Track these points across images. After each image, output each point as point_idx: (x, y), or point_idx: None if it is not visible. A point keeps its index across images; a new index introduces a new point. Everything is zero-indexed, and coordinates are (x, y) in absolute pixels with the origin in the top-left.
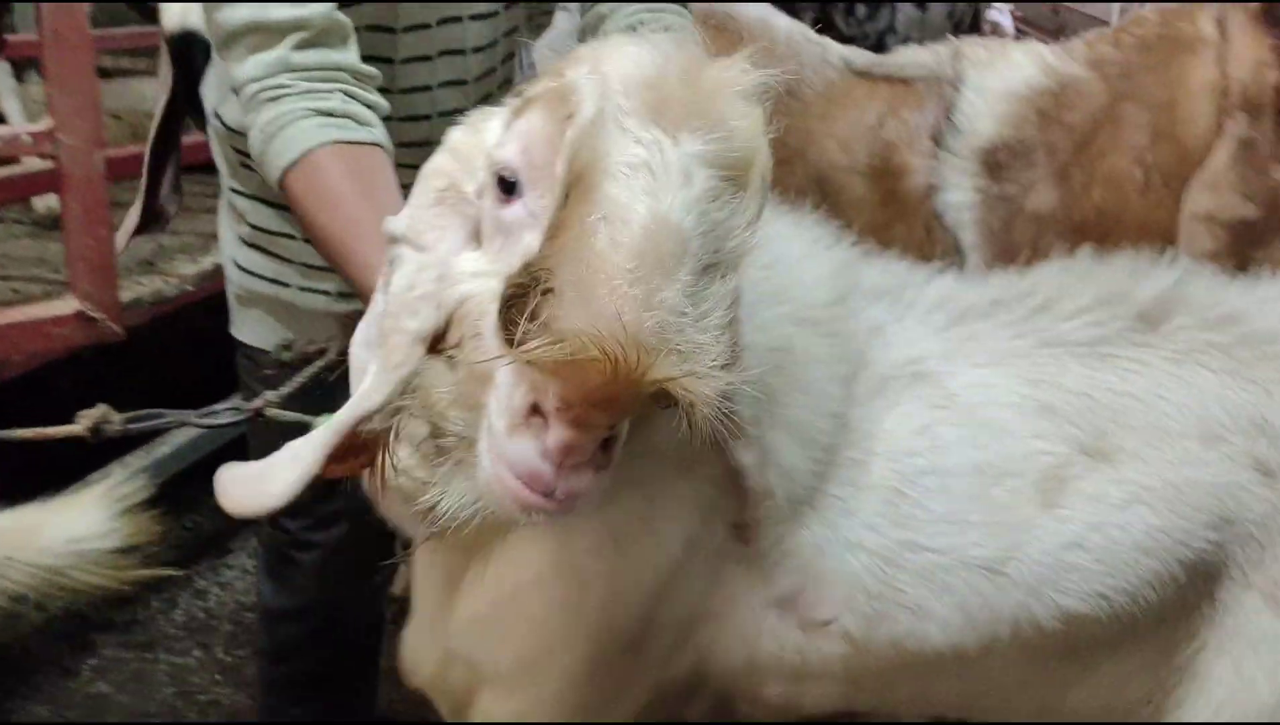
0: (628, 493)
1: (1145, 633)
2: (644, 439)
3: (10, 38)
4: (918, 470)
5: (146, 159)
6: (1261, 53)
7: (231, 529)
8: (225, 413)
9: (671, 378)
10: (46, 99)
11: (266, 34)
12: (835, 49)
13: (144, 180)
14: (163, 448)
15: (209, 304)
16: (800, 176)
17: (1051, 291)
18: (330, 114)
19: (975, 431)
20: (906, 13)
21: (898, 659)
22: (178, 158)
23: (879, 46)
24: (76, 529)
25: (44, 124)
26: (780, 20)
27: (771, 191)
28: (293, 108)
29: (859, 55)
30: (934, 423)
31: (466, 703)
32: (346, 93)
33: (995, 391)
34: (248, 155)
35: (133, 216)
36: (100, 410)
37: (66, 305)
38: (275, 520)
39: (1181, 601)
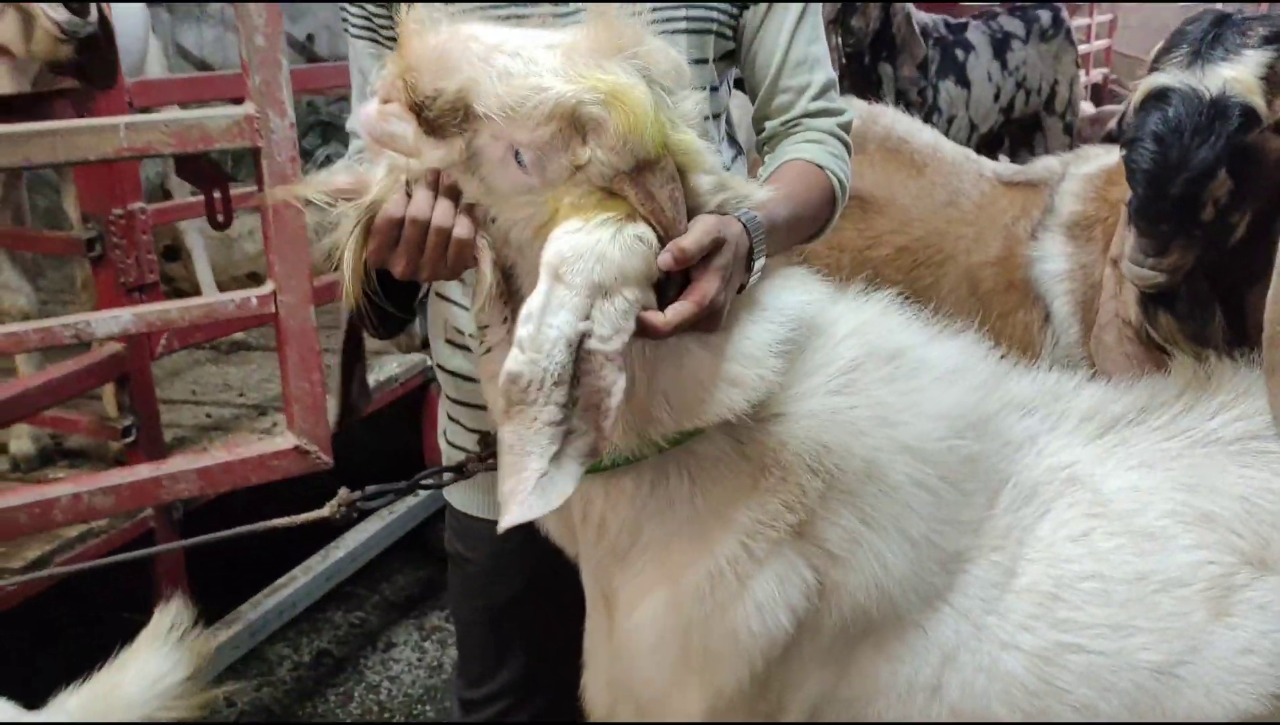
0: (725, 547)
1: None
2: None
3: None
4: (1076, 576)
5: (339, 367)
6: None
7: (395, 622)
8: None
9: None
10: (267, 265)
11: None
12: (989, 165)
13: (338, 382)
14: (337, 552)
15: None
16: (953, 276)
17: (1195, 392)
18: None
19: (1135, 540)
20: (948, 90)
21: None
22: (363, 365)
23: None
24: (150, 673)
25: (268, 287)
26: (945, 144)
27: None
28: None
29: (1006, 168)
30: (1091, 530)
31: None
32: None
33: (1151, 497)
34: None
35: (331, 411)
36: (341, 494)
37: (285, 441)
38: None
39: None
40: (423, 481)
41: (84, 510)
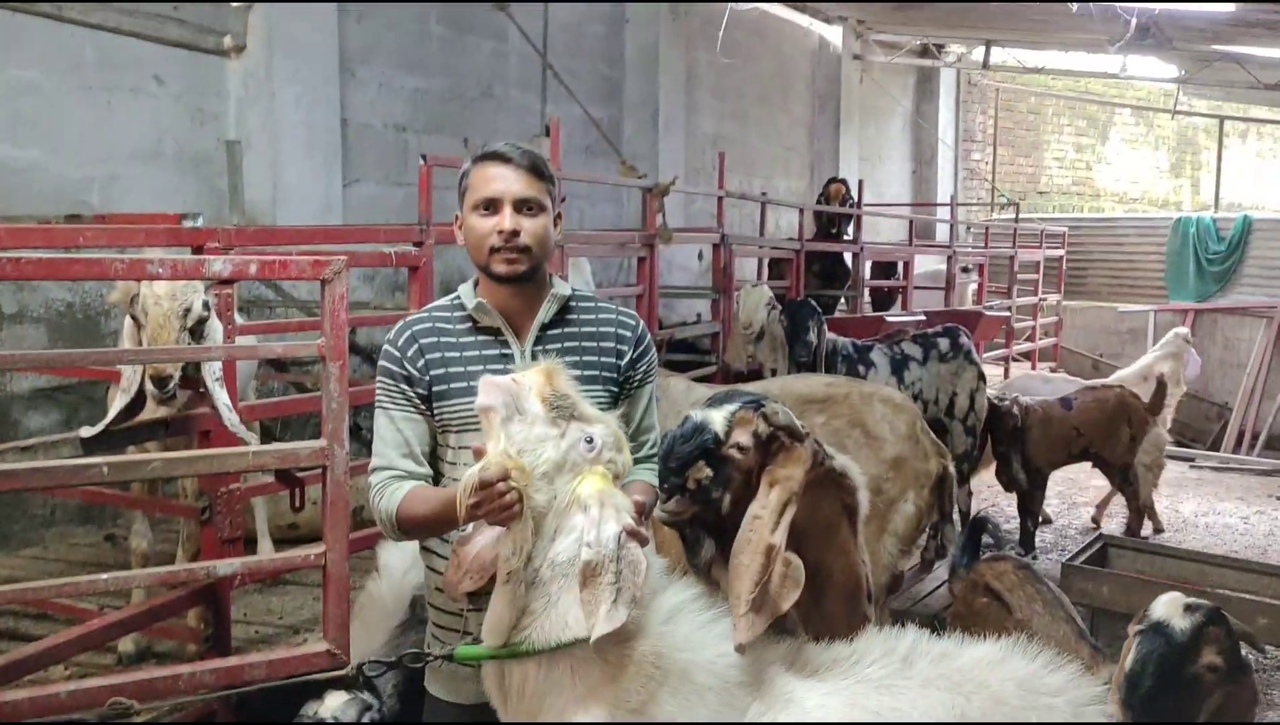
0: (598, 715)
1: None
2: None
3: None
4: None
5: None
6: None
7: None
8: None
9: None
10: (323, 533)
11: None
12: None
13: None
14: None
15: None
16: None
17: (857, 654)
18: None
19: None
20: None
21: None
22: None
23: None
24: None
25: (321, 548)
26: None
27: None
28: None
29: None
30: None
31: None
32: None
33: (827, 701)
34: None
35: None
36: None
37: (321, 645)
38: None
39: None
40: (410, 660)
41: (196, 684)
